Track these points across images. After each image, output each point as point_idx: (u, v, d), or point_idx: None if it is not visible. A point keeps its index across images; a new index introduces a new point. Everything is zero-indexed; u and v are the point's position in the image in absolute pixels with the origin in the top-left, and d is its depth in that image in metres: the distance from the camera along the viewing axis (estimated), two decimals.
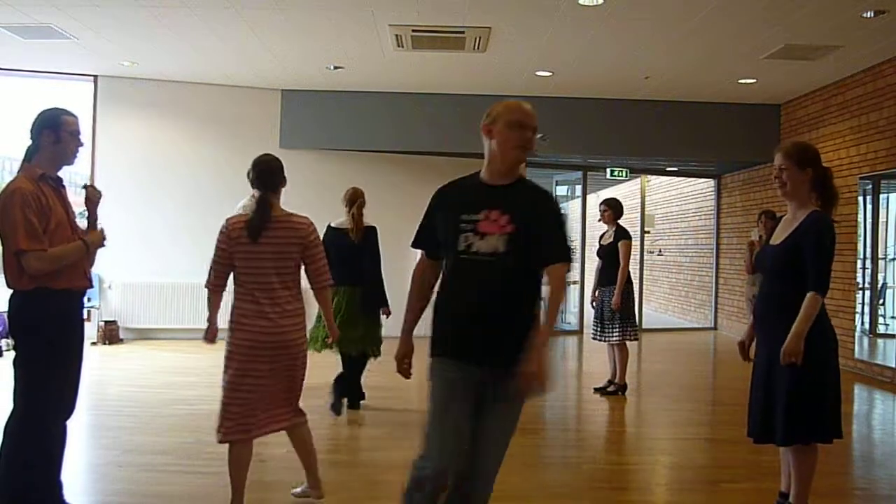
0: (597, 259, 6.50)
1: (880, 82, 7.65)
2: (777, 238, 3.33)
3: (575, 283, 11.49)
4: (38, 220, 2.97)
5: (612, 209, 6.44)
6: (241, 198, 6.68)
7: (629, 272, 6.29)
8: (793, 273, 3.16)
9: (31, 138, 3.12)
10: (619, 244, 6.23)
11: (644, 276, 12.11)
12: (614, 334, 6.23)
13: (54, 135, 3.10)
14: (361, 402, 5.80)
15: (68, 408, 3.21)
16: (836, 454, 4.94)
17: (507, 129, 2.59)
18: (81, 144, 3.23)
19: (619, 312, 6.15)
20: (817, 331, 3.14)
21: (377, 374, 7.33)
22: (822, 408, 3.11)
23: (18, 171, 3.12)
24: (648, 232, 12.45)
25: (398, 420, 5.55)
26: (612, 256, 6.28)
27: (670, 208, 14.20)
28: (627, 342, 6.29)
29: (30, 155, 3.13)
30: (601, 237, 6.57)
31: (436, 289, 2.83)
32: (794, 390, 3.09)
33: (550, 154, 10.19)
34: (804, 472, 3.18)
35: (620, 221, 6.47)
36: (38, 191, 3.02)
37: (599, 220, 6.69)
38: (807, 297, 3.10)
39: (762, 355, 3.28)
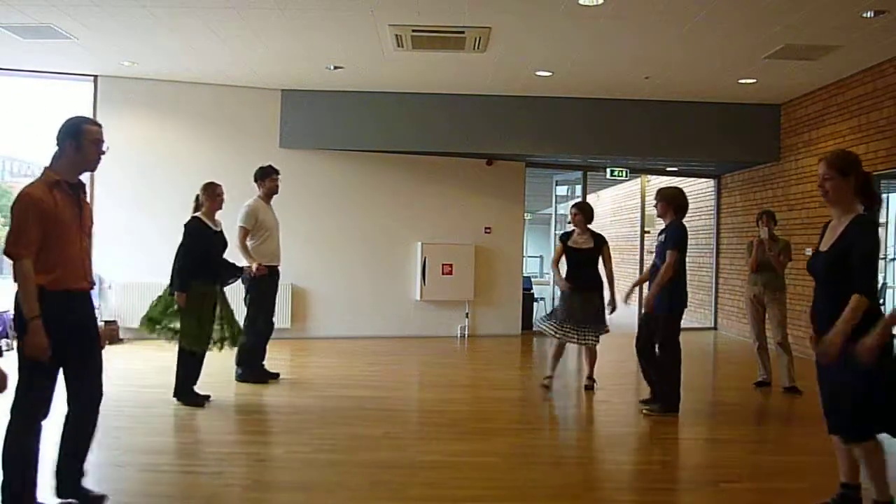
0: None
1: (880, 82, 7.65)
2: (825, 244, 3.42)
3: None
4: (41, 225, 3.14)
5: (583, 213, 6.60)
6: (244, 198, 6.70)
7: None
8: (843, 279, 3.26)
9: (56, 145, 3.32)
10: (603, 248, 6.45)
11: None
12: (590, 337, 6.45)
13: (76, 143, 3.29)
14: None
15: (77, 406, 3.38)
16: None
17: None
18: (104, 152, 3.42)
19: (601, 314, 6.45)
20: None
21: (377, 375, 7.35)
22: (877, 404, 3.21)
23: (41, 175, 3.30)
24: (648, 232, 12.44)
25: (398, 420, 5.56)
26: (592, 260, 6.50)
27: None
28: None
29: (53, 161, 3.32)
30: (574, 240, 6.65)
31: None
32: (858, 388, 3.19)
33: (550, 154, 10.21)
34: (873, 467, 3.29)
35: (592, 226, 6.67)
36: (47, 196, 3.18)
37: (569, 223, 6.84)
38: (852, 299, 3.19)
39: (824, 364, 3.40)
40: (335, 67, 8.27)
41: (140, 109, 9.15)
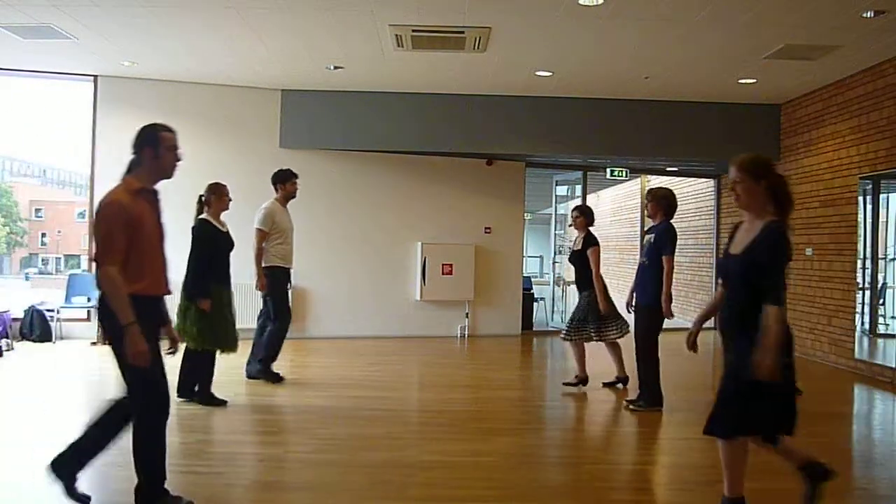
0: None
1: (880, 82, 7.65)
2: (737, 247, 3.39)
3: (570, 283, 11.49)
4: (124, 233, 3.16)
5: (584, 215, 6.64)
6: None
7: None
8: (752, 284, 3.25)
9: (133, 153, 3.35)
10: (588, 251, 6.44)
11: None
12: (592, 334, 6.45)
13: (153, 150, 3.32)
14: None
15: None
16: (836, 454, 4.94)
17: None
18: (180, 159, 3.42)
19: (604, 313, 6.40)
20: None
21: (377, 375, 7.35)
22: (765, 405, 3.20)
23: (120, 182, 3.34)
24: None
25: (398, 420, 5.56)
26: (581, 262, 6.54)
27: None
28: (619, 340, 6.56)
29: (131, 168, 3.35)
30: (574, 242, 6.82)
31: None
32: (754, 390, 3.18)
33: (550, 154, 10.22)
34: (733, 464, 3.32)
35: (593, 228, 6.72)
36: (133, 204, 3.23)
37: (570, 226, 6.88)
38: (769, 312, 3.15)
39: (727, 360, 3.40)
40: (335, 67, 8.27)
41: (140, 109, 9.11)
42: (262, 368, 6.56)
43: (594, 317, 6.40)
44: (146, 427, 3.29)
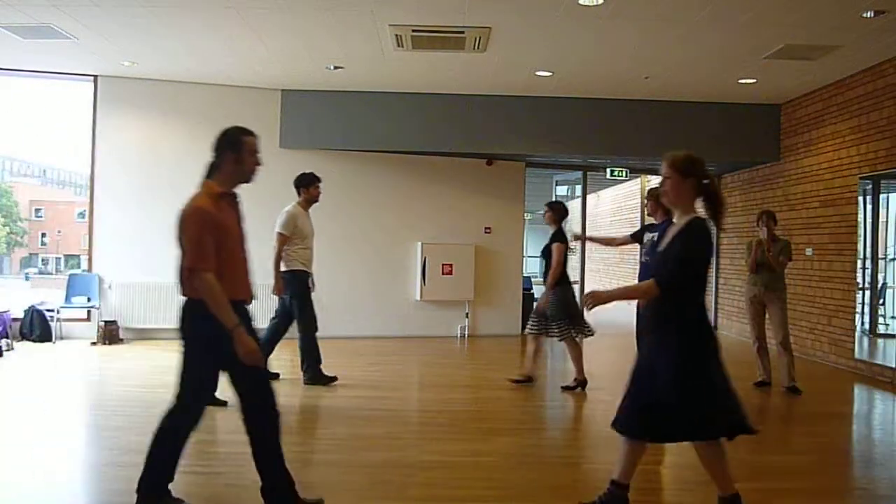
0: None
1: (880, 82, 7.65)
2: (663, 244, 3.36)
3: (575, 282, 11.49)
4: (214, 238, 3.16)
5: (553, 211, 6.60)
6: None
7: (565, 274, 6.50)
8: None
9: (214, 157, 3.34)
10: (553, 246, 6.41)
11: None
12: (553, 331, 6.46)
13: (236, 155, 3.31)
14: None
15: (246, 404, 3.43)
16: (836, 454, 4.95)
17: None
18: (260, 163, 3.39)
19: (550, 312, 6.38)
20: (695, 335, 3.20)
21: (377, 375, 7.35)
22: (700, 407, 3.22)
23: (200, 187, 3.31)
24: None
25: (398, 420, 5.56)
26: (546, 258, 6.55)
27: None
28: (576, 338, 6.54)
29: (211, 172, 3.34)
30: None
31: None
32: (674, 391, 3.18)
33: (550, 154, 10.22)
34: (713, 465, 3.34)
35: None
36: (215, 209, 3.22)
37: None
38: (649, 282, 3.21)
39: (644, 355, 3.37)
40: (335, 67, 8.27)
41: (140, 109, 9.15)
42: (311, 376, 6.55)
43: (571, 311, 6.43)
44: (175, 425, 3.32)
